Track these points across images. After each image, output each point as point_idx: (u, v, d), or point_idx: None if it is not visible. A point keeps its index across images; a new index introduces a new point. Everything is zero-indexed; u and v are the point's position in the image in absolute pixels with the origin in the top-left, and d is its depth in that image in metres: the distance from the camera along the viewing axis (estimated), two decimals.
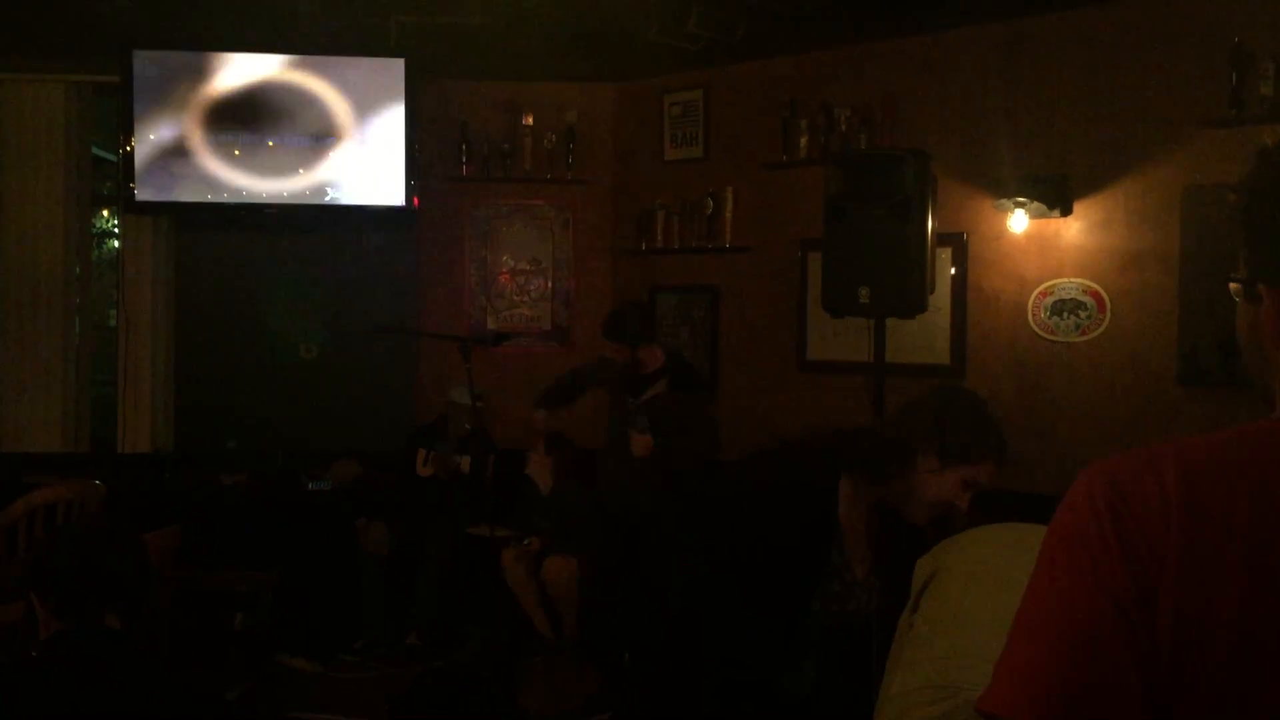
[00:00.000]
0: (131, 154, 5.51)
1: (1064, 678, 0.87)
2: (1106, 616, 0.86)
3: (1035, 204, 4.59)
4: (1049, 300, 4.69)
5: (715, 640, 2.14)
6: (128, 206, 5.72)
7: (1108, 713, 0.85)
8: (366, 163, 5.65)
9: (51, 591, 1.99)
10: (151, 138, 5.53)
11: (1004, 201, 4.65)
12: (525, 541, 5.44)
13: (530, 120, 6.14)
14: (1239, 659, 0.84)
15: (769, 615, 2.14)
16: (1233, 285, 0.97)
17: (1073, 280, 4.64)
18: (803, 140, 5.41)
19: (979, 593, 1.83)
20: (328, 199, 5.66)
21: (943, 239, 4.61)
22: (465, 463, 5.61)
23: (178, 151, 5.55)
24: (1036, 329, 4.74)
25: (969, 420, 2.18)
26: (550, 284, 6.32)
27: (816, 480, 2.18)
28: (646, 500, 4.69)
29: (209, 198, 5.60)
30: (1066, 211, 4.62)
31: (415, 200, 5.71)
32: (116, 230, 6.63)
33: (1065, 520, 0.93)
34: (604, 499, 4.99)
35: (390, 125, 5.64)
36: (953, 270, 4.94)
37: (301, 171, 5.63)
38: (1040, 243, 4.72)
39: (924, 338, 4.93)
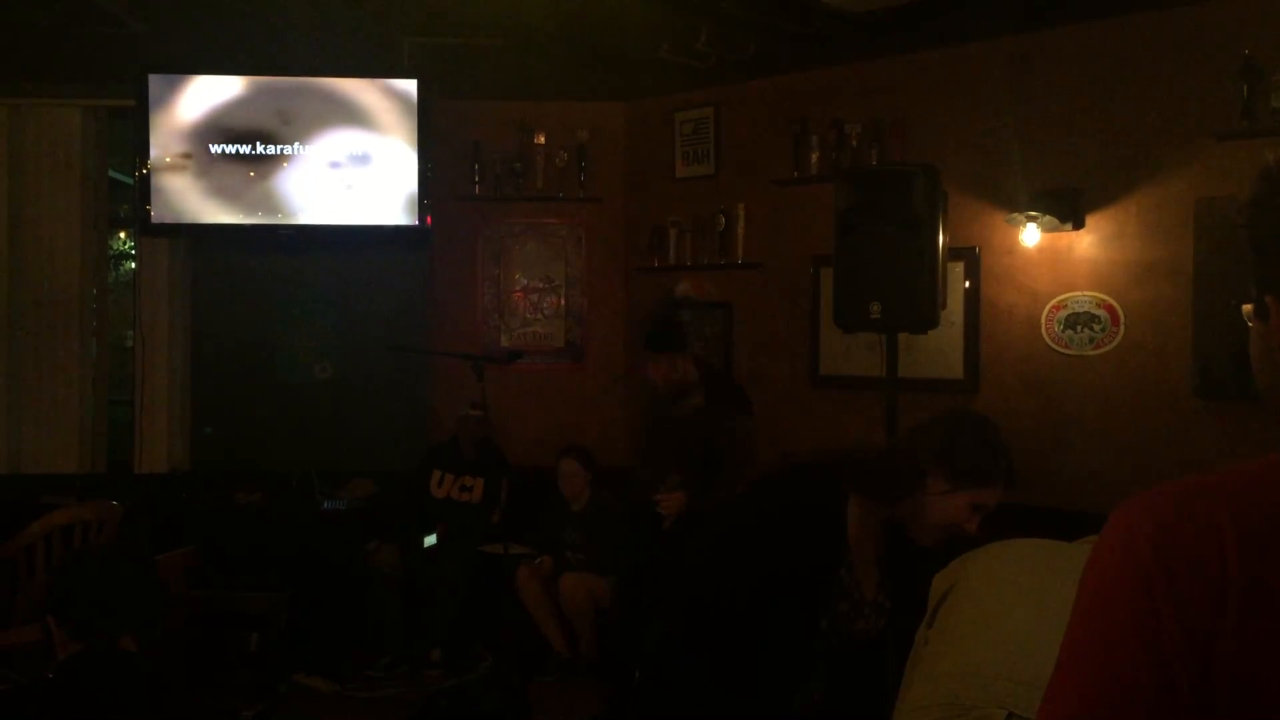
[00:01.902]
0: (147, 176, 5.55)
1: None
2: (1145, 671, 0.79)
3: (1047, 218, 4.58)
4: (1062, 314, 4.68)
5: (724, 660, 2.13)
6: (144, 228, 5.76)
7: None
8: (380, 183, 5.69)
9: (68, 615, 2.01)
10: (167, 160, 5.57)
11: (1016, 215, 4.65)
12: (537, 560, 5.44)
13: (542, 139, 6.17)
14: None
15: (779, 635, 2.13)
16: (1245, 308, 0.93)
17: (1086, 294, 4.63)
18: (813, 156, 5.42)
19: (993, 608, 1.82)
20: (341, 219, 5.69)
21: (955, 253, 4.61)
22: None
23: (193, 173, 5.60)
24: (1050, 343, 4.72)
25: (979, 443, 2.18)
26: (563, 302, 6.34)
27: (826, 500, 2.17)
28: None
29: (224, 219, 5.64)
30: (1079, 225, 4.62)
31: (428, 220, 5.73)
32: (133, 252, 6.68)
33: (1104, 562, 0.85)
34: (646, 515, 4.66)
35: (403, 145, 5.67)
36: (966, 284, 4.93)
37: (316, 192, 5.66)
38: (1053, 256, 4.71)
39: (937, 352, 4.92)
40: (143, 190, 5.58)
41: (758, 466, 4.71)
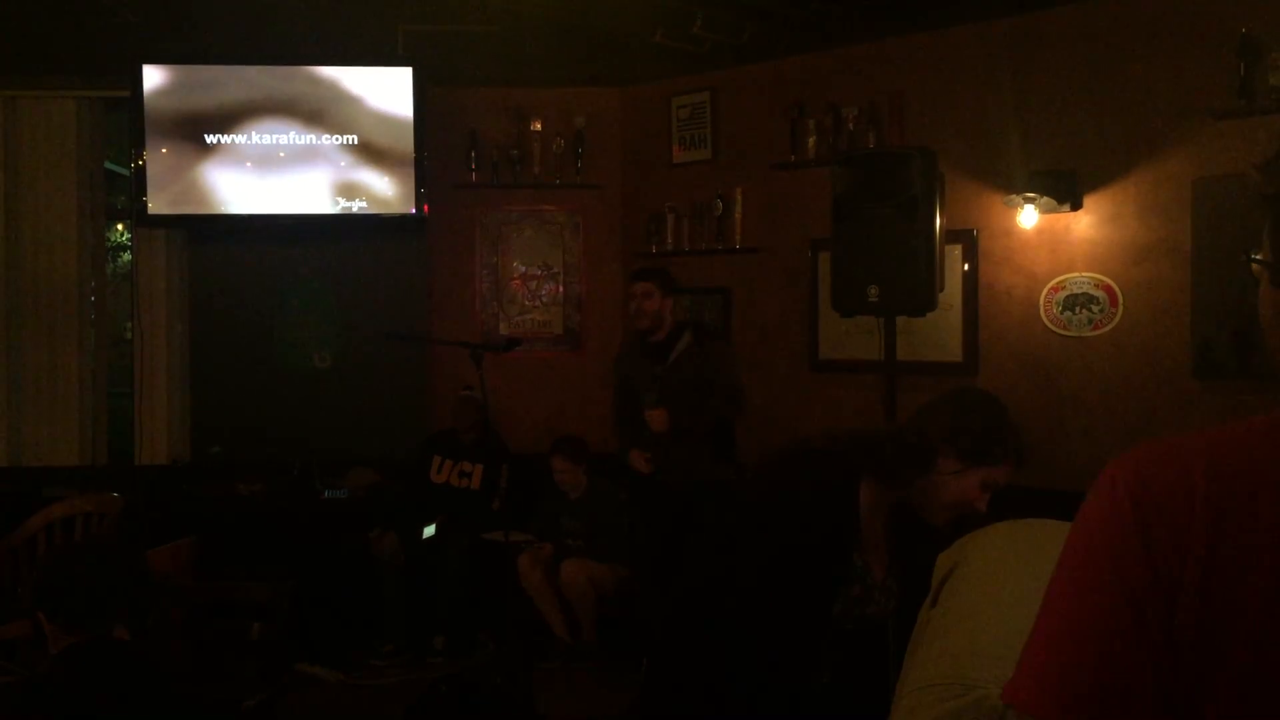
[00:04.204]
0: (143, 167, 5.54)
1: (1078, 677, 0.85)
2: (1121, 615, 0.84)
3: (1045, 199, 4.57)
4: (1061, 295, 4.68)
5: (735, 645, 2.13)
6: (140, 220, 5.75)
7: (1121, 714, 0.83)
8: (377, 171, 5.68)
9: (59, 609, 2.02)
10: (163, 151, 5.56)
11: (1013, 197, 4.64)
12: (537, 547, 5.45)
13: (538, 126, 6.15)
14: (1264, 656, 0.81)
15: (791, 620, 2.12)
16: (1255, 266, 0.94)
17: (1084, 275, 4.62)
18: (810, 140, 5.41)
19: (995, 587, 1.83)
20: (338, 208, 5.68)
21: (952, 236, 4.60)
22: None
23: (189, 164, 5.59)
24: (1049, 324, 4.72)
25: (988, 421, 2.18)
26: (561, 288, 6.33)
27: (838, 484, 2.17)
28: (696, 466, 4.71)
29: (221, 209, 5.64)
30: (1076, 206, 4.61)
31: (425, 208, 5.73)
32: (130, 243, 6.67)
33: (1087, 514, 0.91)
34: (664, 480, 4.88)
35: (399, 134, 5.66)
36: (964, 267, 4.93)
37: (312, 181, 5.66)
38: (1051, 238, 4.70)
39: (936, 335, 4.92)
40: (139, 181, 5.57)
41: (741, 394, 4.81)
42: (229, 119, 5.59)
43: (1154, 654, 0.83)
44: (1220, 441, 0.89)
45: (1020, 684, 0.89)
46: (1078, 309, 4.64)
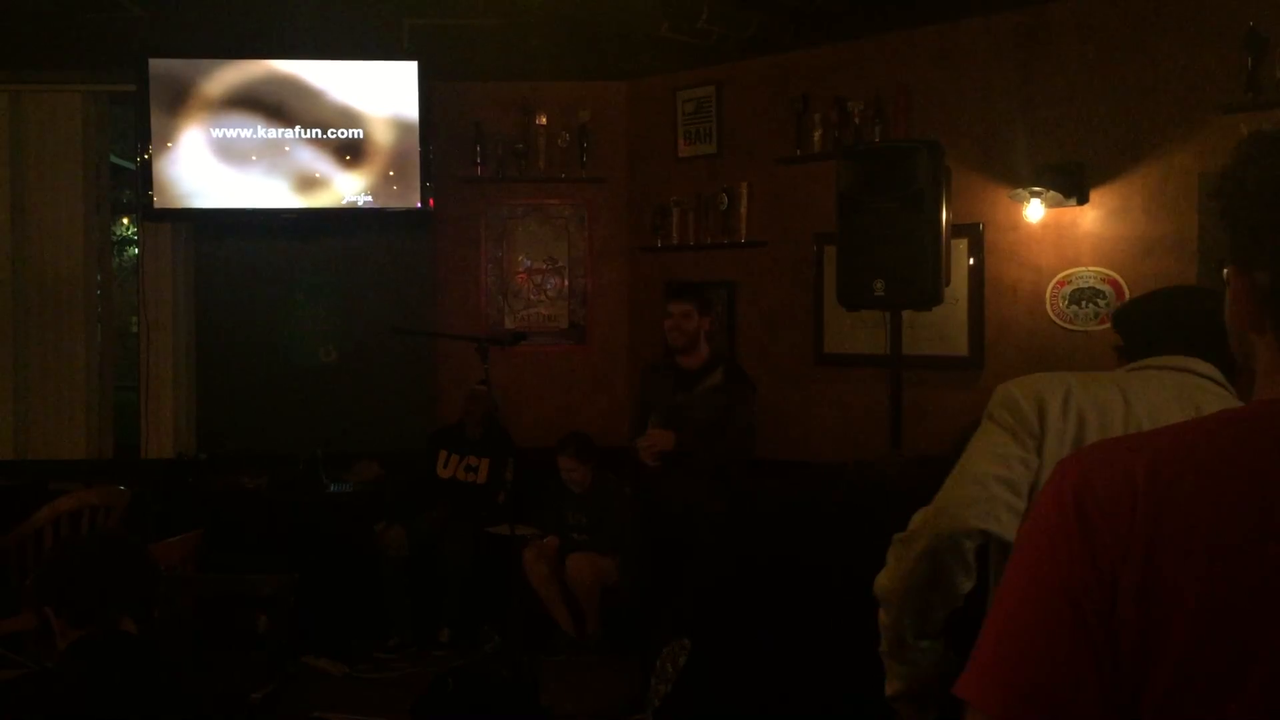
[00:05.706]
0: (149, 162, 5.55)
1: (1022, 675, 0.86)
2: (1063, 614, 0.85)
3: (1051, 193, 4.56)
4: (1067, 289, 4.67)
5: (787, 653, 2.13)
6: (146, 214, 5.76)
7: (1063, 709, 0.84)
8: (382, 166, 5.68)
9: (65, 604, 2.02)
10: (168, 145, 5.57)
11: (1020, 191, 4.63)
12: (543, 540, 5.46)
13: (544, 120, 6.15)
14: (1197, 655, 0.82)
15: (841, 629, 2.12)
16: (1224, 274, 0.97)
17: (1090, 269, 4.62)
18: (816, 134, 5.40)
19: None
20: (344, 202, 5.69)
21: (959, 230, 4.60)
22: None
23: (194, 158, 5.59)
24: (1055, 319, 4.71)
25: None
26: (567, 282, 6.33)
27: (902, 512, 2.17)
28: (691, 494, 4.55)
29: (227, 204, 5.64)
30: (1083, 200, 4.60)
31: (431, 202, 5.73)
32: (136, 237, 6.68)
33: (1038, 512, 0.92)
34: (654, 498, 4.78)
35: (405, 128, 5.66)
36: (970, 261, 4.92)
37: (317, 176, 5.66)
38: (1057, 232, 4.69)
39: (941, 329, 4.91)
40: (145, 175, 5.58)
41: (751, 442, 4.72)
42: (234, 113, 5.59)
43: (1095, 653, 0.84)
44: (1165, 439, 0.90)
45: (970, 679, 0.90)
46: (1084, 303, 4.63)
